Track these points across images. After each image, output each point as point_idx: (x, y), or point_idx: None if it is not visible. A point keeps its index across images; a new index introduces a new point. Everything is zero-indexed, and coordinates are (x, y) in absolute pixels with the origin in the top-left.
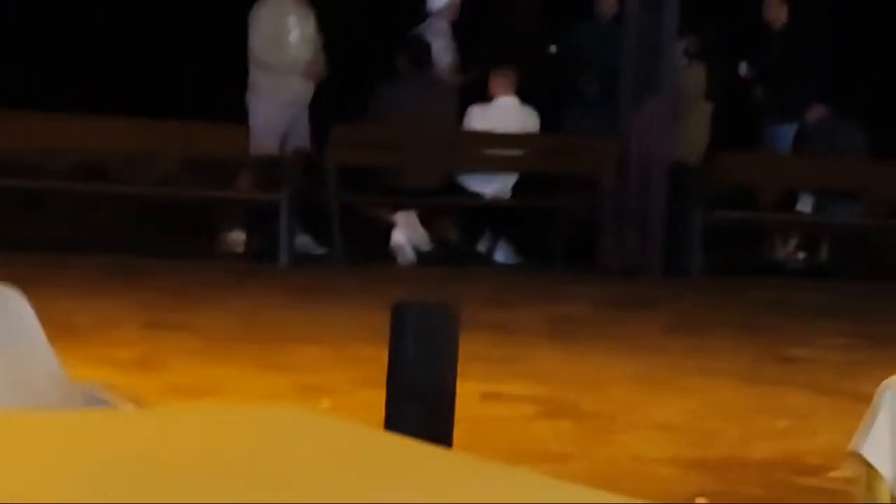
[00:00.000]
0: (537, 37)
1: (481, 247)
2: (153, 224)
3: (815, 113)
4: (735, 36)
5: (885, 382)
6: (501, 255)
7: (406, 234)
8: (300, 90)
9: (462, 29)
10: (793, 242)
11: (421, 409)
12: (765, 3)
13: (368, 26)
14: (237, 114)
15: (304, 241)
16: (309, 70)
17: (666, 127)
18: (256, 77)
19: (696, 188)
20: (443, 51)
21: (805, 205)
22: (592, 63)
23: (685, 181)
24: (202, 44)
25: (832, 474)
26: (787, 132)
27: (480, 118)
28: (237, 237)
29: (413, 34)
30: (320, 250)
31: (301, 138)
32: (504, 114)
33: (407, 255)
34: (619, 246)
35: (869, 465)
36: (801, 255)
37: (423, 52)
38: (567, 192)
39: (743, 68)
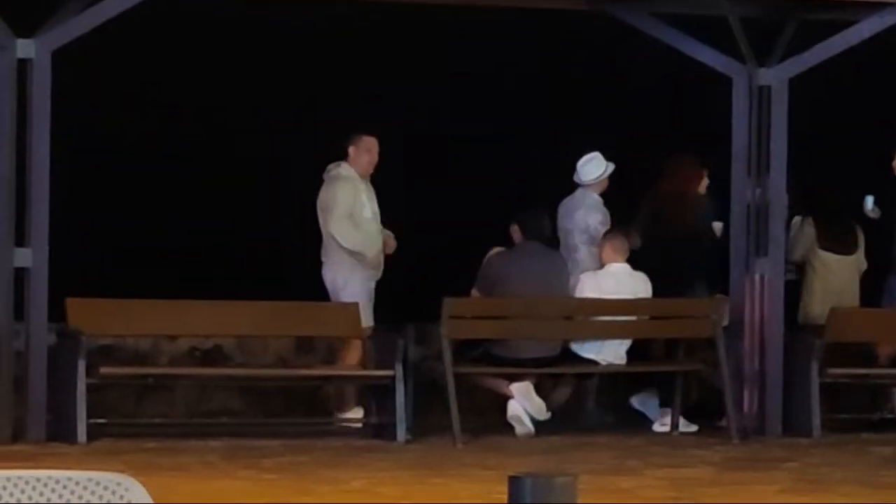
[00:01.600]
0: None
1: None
2: (269, 404)
3: None
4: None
5: None
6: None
7: (522, 404)
8: (377, 264)
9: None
10: None
11: None
12: None
13: (488, 196)
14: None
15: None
16: (388, 245)
17: (777, 287)
18: (341, 256)
19: (814, 346)
20: (595, 222)
21: None
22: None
23: (802, 340)
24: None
25: None
26: None
27: (592, 285)
28: (354, 414)
29: (530, 207)
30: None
31: (368, 313)
32: (616, 280)
33: (525, 425)
34: (738, 407)
35: None
36: None
37: (535, 222)
38: (683, 356)
39: (869, 203)
